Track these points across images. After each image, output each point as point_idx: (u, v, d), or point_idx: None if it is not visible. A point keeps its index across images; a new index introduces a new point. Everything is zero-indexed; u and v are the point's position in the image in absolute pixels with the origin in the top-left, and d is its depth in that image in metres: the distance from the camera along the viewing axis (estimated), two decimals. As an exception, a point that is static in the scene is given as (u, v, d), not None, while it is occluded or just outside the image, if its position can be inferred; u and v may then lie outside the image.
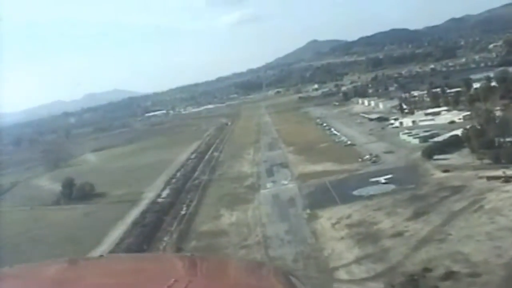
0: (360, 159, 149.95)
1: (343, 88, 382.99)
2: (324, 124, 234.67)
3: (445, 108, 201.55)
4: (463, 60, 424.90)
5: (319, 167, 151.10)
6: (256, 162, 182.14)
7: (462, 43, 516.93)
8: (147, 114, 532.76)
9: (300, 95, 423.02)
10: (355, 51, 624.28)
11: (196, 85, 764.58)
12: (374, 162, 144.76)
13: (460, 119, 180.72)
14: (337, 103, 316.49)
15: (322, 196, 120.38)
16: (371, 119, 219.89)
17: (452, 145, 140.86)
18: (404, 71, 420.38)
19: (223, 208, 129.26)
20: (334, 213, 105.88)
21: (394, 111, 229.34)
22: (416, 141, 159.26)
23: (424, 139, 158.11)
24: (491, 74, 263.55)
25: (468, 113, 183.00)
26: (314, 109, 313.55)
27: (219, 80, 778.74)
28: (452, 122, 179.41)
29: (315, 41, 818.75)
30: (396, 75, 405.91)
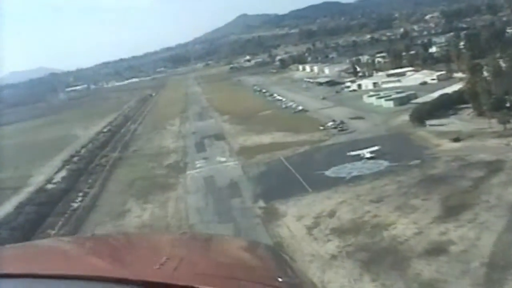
0: (321, 127, 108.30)
1: (279, 57, 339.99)
2: (264, 91, 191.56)
3: (410, 69, 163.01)
4: (401, 30, 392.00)
5: (266, 139, 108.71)
6: (183, 134, 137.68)
7: (396, 15, 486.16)
8: (67, 89, 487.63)
9: (232, 65, 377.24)
10: (287, 24, 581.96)
11: (122, 60, 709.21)
12: (342, 130, 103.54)
13: (433, 79, 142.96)
14: (274, 71, 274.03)
15: (280, 179, 77.60)
16: (320, 83, 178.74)
17: (445, 107, 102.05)
18: (341, 41, 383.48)
19: (133, 199, 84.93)
20: (306, 208, 63.38)
21: (344, 75, 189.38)
22: (390, 104, 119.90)
23: (400, 101, 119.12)
24: (442, 40, 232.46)
25: (442, 72, 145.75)
26: (248, 77, 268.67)
27: (146, 55, 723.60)
28: (424, 83, 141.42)
29: (244, 15, 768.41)
30: (333, 45, 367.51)
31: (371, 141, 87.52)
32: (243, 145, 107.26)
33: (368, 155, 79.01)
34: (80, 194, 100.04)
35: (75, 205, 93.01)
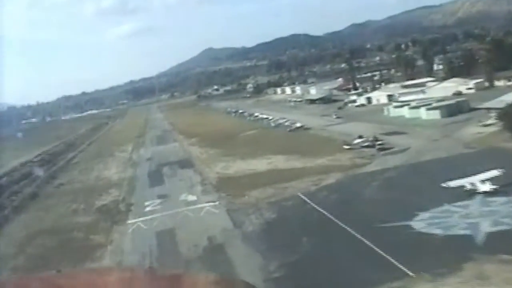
0: (346, 146, 67.01)
1: (250, 85, 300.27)
2: (240, 111, 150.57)
3: (430, 79, 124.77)
4: (377, 58, 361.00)
5: (260, 165, 66.96)
6: (133, 161, 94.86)
7: (368, 46, 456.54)
8: (23, 121, 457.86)
9: (199, 94, 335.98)
10: (255, 56, 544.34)
11: (84, 94, 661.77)
12: (384, 149, 62.44)
13: (469, 88, 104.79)
14: (248, 95, 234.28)
15: (317, 239, 35.64)
16: (312, 101, 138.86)
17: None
18: (315, 69, 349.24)
19: (24, 270, 41.65)
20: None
21: (338, 92, 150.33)
22: (434, 114, 80.00)
23: (448, 110, 79.44)
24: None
25: (479, 80, 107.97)
26: (219, 103, 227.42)
27: (109, 89, 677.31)
28: (459, 93, 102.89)
29: (210, 49, 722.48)
30: (307, 73, 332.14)
31: (457, 163, 46.95)
32: (223, 175, 65.19)
33: (485, 188, 38.17)
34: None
35: None
